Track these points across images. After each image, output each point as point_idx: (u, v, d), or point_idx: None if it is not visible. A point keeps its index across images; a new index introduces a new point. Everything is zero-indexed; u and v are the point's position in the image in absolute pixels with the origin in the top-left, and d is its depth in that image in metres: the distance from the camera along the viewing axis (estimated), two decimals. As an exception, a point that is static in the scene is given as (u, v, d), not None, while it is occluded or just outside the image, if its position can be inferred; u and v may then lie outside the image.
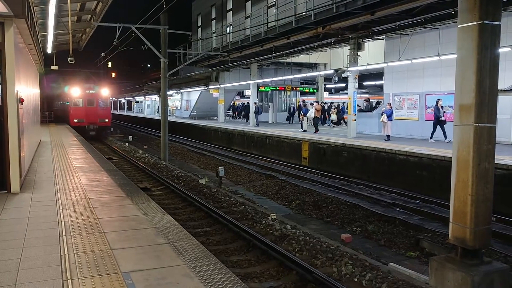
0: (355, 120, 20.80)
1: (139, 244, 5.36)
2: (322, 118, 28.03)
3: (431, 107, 19.13)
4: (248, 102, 37.48)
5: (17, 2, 7.68)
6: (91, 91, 29.97)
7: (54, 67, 27.20)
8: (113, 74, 75.14)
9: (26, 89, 11.22)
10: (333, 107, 33.11)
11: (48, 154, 14.51)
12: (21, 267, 4.61)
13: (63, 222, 6.27)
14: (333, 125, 29.36)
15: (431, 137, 17.75)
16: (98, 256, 4.90)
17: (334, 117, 30.32)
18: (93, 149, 16.22)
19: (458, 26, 5.99)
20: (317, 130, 23.14)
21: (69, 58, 18.51)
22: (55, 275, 4.38)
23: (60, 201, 7.65)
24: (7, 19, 7.83)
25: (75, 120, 29.40)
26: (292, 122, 33.99)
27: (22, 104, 9.13)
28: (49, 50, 20.25)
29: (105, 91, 30.60)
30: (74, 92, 29.51)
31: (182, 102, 47.45)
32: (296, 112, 33.96)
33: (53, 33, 17.11)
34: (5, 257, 4.89)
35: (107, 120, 30.59)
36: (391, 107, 19.44)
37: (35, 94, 16.73)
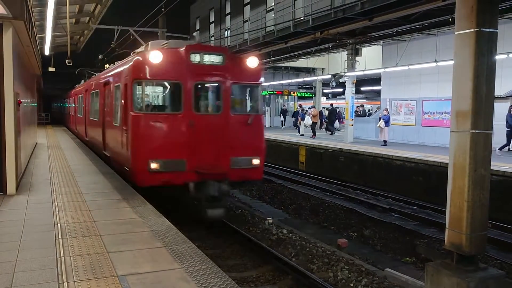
0: (352, 125, 20.85)
1: (136, 247, 5.34)
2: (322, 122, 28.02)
3: (428, 112, 19.21)
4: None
5: (16, 3, 7.68)
6: (207, 60, 9.24)
7: (51, 69, 27.17)
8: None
9: (24, 91, 11.20)
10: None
11: (44, 156, 14.46)
12: (16, 269, 4.58)
13: (59, 225, 6.24)
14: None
15: (502, 148, 15.32)
16: (94, 259, 4.89)
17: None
18: (90, 151, 16.16)
19: (455, 32, 6.02)
20: (314, 134, 23.18)
21: (67, 60, 18.53)
22: (51, 278, 4.36)
23: (56, 203, 7.62)
24: (6, 20, 7.83)
25: (154, 166, 8.61)
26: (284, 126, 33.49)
27: (19, 106, 9.12)
28: (47, 51, 20.26)
29: (252, 62, 9.65)
30: (154, 57, 8.73)
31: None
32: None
33: (51, 35, 17.12)
34: (0, 259, 4.87)
35: (256, 162, 9.57)
36: (388, 113, 19.50)
37: (32, 95, 16.70)
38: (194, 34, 25.17)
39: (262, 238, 8.94)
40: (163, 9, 19.98)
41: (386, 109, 19.83)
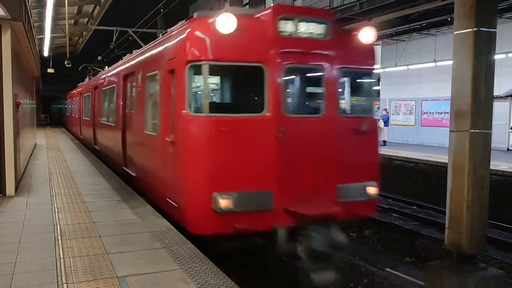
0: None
1: (135, 248, 5.33)
2: None
3: (427, 112, 19.22)
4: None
5: (14, 5, 7.68)
6: (304, 30, 5.79)
7: (50, 70, 27.17)
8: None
9: (23, 92, 11.19)
10: None
11: (44, 157, 14.45)
12: (16, 271, 4.57)
13: (58, 226, 6.23)
14: None
15: None
16: (93, 260, 4.88)
17: None
18: (89, 153, 16.15)
19: (454, 32, 6.02)
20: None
21: (66, 61, 18.52)
22: (50, 279, 4.35)
23: (55, 204, 7.61)
24: (4, 22, 7.83)
25: (223, 203, 5.30)
26: None
27: (18, 107, 9.11)
28: (46, 53, 20.25)
29: (366, 35, 6.10)
30: (222, 25, 5.24)
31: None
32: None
33: (50, 36, 17.12)
34: (0, 261, 4.86)
35: (372, 191, 6.21)
36: (387, 113, 19.51)
37: (31, 96, 16.69)
38: None
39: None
40: (162, 10, 19.97)
41: (385, 109, 19.84)
